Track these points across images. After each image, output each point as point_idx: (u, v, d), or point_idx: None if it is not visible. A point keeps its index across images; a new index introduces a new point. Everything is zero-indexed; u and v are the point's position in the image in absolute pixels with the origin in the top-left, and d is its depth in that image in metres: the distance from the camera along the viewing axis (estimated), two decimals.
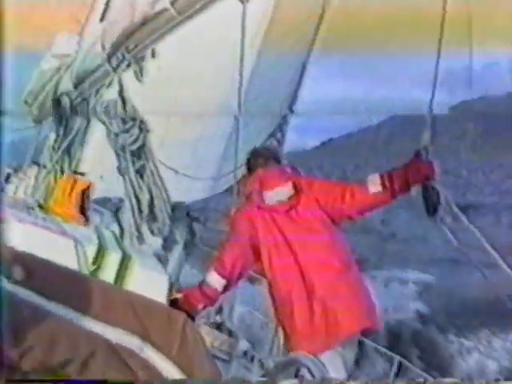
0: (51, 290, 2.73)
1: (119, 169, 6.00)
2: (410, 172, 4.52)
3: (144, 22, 5.59)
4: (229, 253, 4.83)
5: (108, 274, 3.17)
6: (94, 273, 3.14)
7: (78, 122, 6.79)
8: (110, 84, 6.04)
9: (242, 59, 5.73)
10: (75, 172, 7.03)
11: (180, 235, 6.12)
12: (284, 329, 4.77)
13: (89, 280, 3.19)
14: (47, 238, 3.12)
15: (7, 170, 7.59)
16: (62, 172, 6.79)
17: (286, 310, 4.71)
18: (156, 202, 5.80)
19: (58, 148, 6.89)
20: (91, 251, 3.22)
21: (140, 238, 5.63)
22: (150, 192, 5.81)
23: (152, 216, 5.75)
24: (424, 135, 4.64)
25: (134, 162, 5.81)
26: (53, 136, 7.03)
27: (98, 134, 6.84)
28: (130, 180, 5.81)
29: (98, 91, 6.42)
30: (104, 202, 7.53)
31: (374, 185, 4.52)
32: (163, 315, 3.04)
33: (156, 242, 5.67)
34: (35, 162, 7.22)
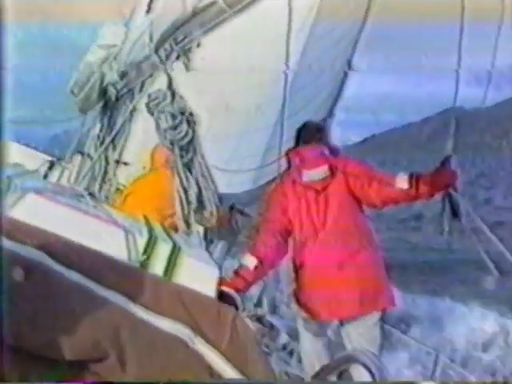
0: (101, 277, 2.74)
1: (167, 162, 6.09)
2: (436, 179, 4.79)
3: (193, 14, 5.57)
4: (261, 233, 5.28)
5: (158, 265, 3.17)
6: (144, 263, 3.14)
7: (122, 113, 6.83)
8: (157, 75, 6.05)
9: (287, 53, 5.74)
10: (118, 162, 7.09)
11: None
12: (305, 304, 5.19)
13: (138, 270, 3.19)
14: (97, 227, 3.11)
15: (50, 159, 7.69)
16: (107, 161, 6.86)
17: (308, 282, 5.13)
18: (204, 192, 5.85)
19: (103, 138, 6.96)
20: (142, 241, 3.21)
21: (188, 230, 5.71)
22: (198, 184, 5.84)
23: (201, 206, 5.81)
24: (447, 144, 4.91)
25: (182, 156, 5.84)
26: (98, 126, 7.10)
27: (141, 124, 6.88)
28: (179, 174, 5.84)
29: (143, 82, 6.46)
30: None
31: (401, 181, 4.77)
32: (212, 309, 3.03)
33: (201, 234, 5.77)
34: (79, 152, 7.31)
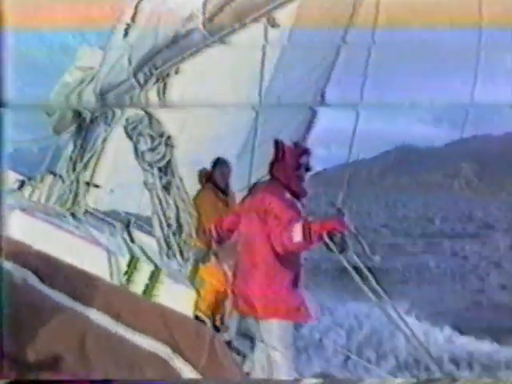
0: (78, 292, 2.76)
1: (146, 184, 6.08)
2: (325, 225, 5.10)
3: (174, 41, 5.57)
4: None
5: (138, 285, 3.20)
6: (126, 282, 3.17)
7: (96, 135, 6.85)
8: (134, 99, 6.09)
9: (261, 79, 5.84)
10: (88, 184, 7.10)
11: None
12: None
13: (121, 290, 3.21)
14: (81, 247, 3.14)
15: (21, 178, 7.65)
16: (78, 183, 6.85)
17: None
18: (182, 215, 5.91)
19: (76, 159, 6.95)
20: (123, 262, 3.24)
21: (169, 252, 5.80)
22: (177, 206, 5.90)
23: (179, 229, 5.87)
24: (338, 197, 5.27)
25: (161, 178, 5.89)
26: (71, 147, 7.08)
27: (112, 147, 6.91)
28: (158, 196, 5.88)
29: (119, 105, 6.50)
30: (113, 215, 7.59)
31: (297, 235, 5.07)
32: (191, 328, 3.06)
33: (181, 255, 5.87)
34: (51, 172, 7.28)
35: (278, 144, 5.70)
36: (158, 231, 5.79)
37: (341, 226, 5.19)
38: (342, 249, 5.27)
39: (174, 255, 5.80)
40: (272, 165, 5.67)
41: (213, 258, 6.09)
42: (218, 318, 6.64)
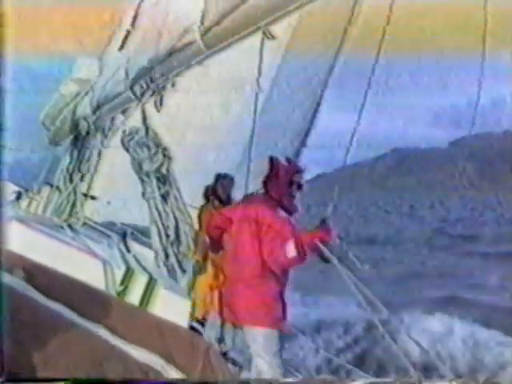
0: (78, 304, 2.80)
1: (144, 194, 6.08)
2: (314, 236, 5.26)
3: (171, 53, 5.59)
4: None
5: (134, 296, 3.23)
6: (122, 293, 3.20)
7: (92, 147, 6.89)
8: (130, 111, 6.13)
9: (257, 94, 5.88)
10: (86, 195, 7.13)
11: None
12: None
13: (116, 301, 3.24)
14: (77, 258, 3.18)
15: (17, 189, 7.68)
16: (75, 194, 6.89)
17: None
18: (181, 226, 5.93)
19: (72, 170, 6.99)
20: (119, 272, 3.27)
21: (167, 262, 5.82)
22: (175, 217, 5.93)
23: (177, 239, 5.90)
24: (328, 208, 5.39)
25: (159, 188, 5.90)
26: (67, 159, 7.12)
27: (109, 159, 6.94)
28: (156, 206, 5.90)
29: (115, 117, 6.54)
30: (109, 226, 7.62)
31: (291, 251, 5.18)
32: (186, 338, 3.09)
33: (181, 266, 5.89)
34: (48, 183, 7.31)
35: (272, 161, 5.79)
36: (156, 242, 5.81)
37: (328, 236, 5.35)
38: (327, 259, 5.53)
39: (173, 266, 5.81)
40: (266, 180, 5.76)
41: (210, 267, 6.13)
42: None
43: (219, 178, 7.35)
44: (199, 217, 6.91)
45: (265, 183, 5.79)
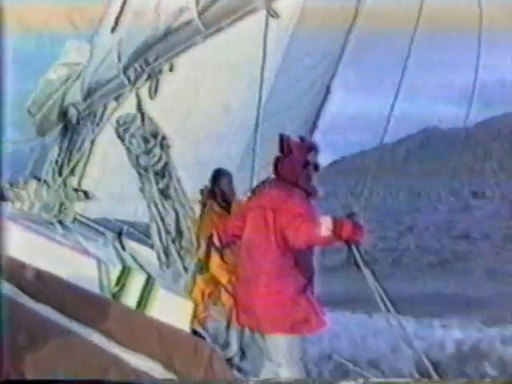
0: (70, 308, 2.90)
1: (142, 190, 6.16)
2: (355, 229, 5.26)
3: (167, 34, 5.67)
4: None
5: (131, 297, 3.32)
6: (117, 294, 3.29)
7: (83, 137, 6.93)
8: (124, 97, 6.18)
9: (262, 77, 5.93)
10: (77, 190, 7.18)
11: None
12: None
13: (112, 303, 3.34)
14: (69, 256, 3.27)
15: (2, 184, 7.74)
16: (65, 188, 6.94)
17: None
18: (182, 220, 6.05)
19: (62, 163, 7.05)
20: (114, 271, 3.36)
21: (168, 261, 5.88)
22: (176, 211, 6.05)
23: (179, 235, 6.03)
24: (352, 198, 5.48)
25: (157, 182, 6.01)
26: (56, 150, 7.18)
27: (101, 149, 6.99)
28: (155, 202, 6.00)
29: (108, 104, 6.59)
30: (103, 222, 7.69)
31: (326, 229, 5.12)
32: (189, 344, 3.20)
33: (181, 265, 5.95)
34: (35, 177, 7.36)
35: (283, 139, 5.78)
36: (156, 240, 5.92)
37: (361, 235, 5.33)
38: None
39: (175, 263, 5.88)
40: (277, 162, 5.75)
41: (217, 257, 6.20)
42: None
43: (216, 177, 7.35)
44: (199, 226, 6.99)
45: (275, 166, 5.80)
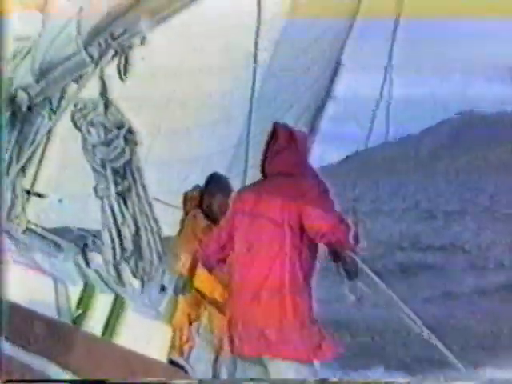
0: (21, 336, 2.97)
1: (96, 190, 6.04)
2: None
3: (138, 1, 5.63)
4: None
5: (96, 321, 3.38)
6: (79, 319, 3.35)
7: (36, 127, 6.90)
8: (86, 78, 6.17)
9: (256, 55, 5.98)
10: (29, 192, 7.18)
11: (169, 279, 6.35)
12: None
13: (72, 330, 3.41)
14: (18, 274, 3.33)
15: None
16: (15, 192, 6.94)
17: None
18: (142, 234, 5.88)
19: (10, 159, 7.03)
20: (75, 291, 3.42)
21: (118, 280, 5.77)
22: (136, 222, 5.88)
23: (137, 253, 5.83)
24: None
25: (116, 183, 5.87)
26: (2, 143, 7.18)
27: (59, 143, 7.00)
28: (111, 206, 5.86)
29: (66, 88, 6.58)
30: (63, 232, 7.71)
31: (353, 236, 5.67)
32: (165, 377, 3.28)
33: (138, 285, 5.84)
34: None
35: (280, 129, 5.83)
36: (108, 253, 5.77)
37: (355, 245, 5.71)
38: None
39: (124, 284, 5.73)
40: (273, 155, 5.81)
41: (203, 271, 6.25)
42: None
43: (211, 184, 7.34)
44: (182, 224, 7.02)
45: (273, 161, 5.84)
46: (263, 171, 5.98)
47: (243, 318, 5.77)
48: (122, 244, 5.87)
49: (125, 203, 5.98)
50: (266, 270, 5.68)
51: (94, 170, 6.05)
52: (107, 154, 5.93)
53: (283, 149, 5.75)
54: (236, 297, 5.87)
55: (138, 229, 5.96)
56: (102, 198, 6.02)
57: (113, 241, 5.86)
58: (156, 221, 6.09)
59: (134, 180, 6.02)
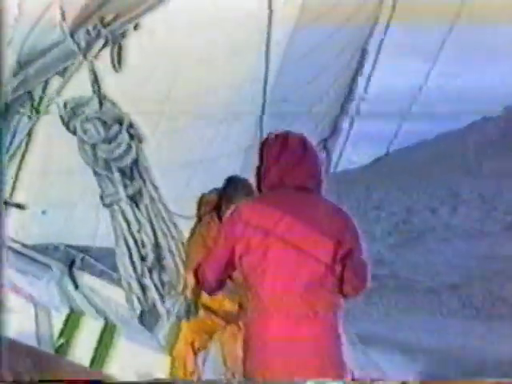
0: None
1: (103, 198, 6.04)
2: None
3: None
4: None
5: (83, 349, 3.45)
6: (62, 348, 3.41)
7: (14, 128, 6.92)
8: (72, 70, 6.19)
9: (268, 42, 6.03)
10: (7, 203, 7.25)
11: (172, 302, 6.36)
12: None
13: (55, 361, 3.49)
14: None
15: None
16: None
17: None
18: (162, 241, 5.92)
19: None
20: (58, 318, 3.50)
21: (144, 298, 5.75)
22: (153, 228, 5.91)
23: (159, 263, 5.90)
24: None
25: (125, 185, 5.87)
26: None
27: (41, 146, 7.03)
28: (123, 211, 5.84)
29: (49, 82, 6.61)
30: (47, 250, 7.76)
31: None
32: None
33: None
34: None
35: (292, 137, 5.95)
36: (127, 269, 5.75)
37: None
38: None
39: (153, 304, 5.71)
40: (286, 168, 5.91)
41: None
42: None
43: (230, 187, 7.42)
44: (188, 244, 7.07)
45: (290, 173, 5.94)
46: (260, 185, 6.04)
47: (259, 350, 5.84)
48: (140, 253, 5.97)
49: (137, 207, 6.05)
50: (286, 284, 5.75)
51: (97, 174, 6.10)
52: (111, 151, 5.98)
53: (299, 160, 5.82)
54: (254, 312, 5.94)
55: (155, 234, 6.05)
56: (110, 206, 6.05)
57: (130, 252, 5.92)
58: (175, 225, 6.17)
59: (144, 181, 6.06)
